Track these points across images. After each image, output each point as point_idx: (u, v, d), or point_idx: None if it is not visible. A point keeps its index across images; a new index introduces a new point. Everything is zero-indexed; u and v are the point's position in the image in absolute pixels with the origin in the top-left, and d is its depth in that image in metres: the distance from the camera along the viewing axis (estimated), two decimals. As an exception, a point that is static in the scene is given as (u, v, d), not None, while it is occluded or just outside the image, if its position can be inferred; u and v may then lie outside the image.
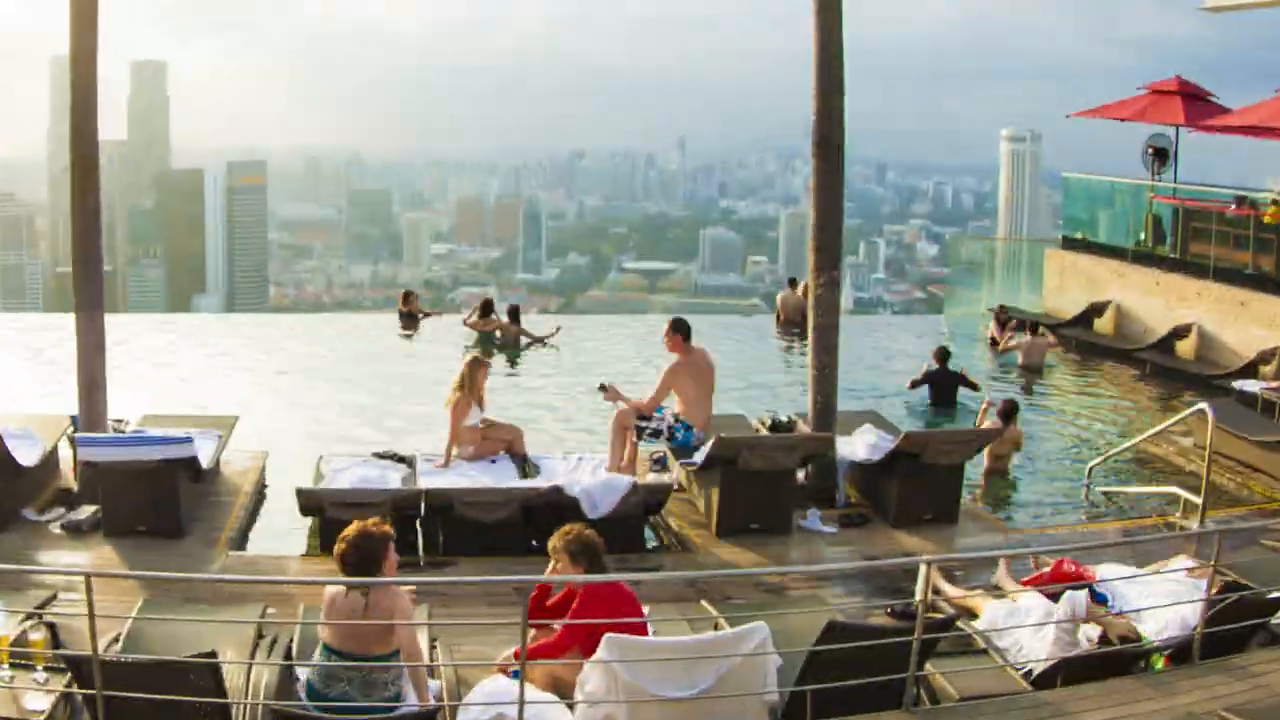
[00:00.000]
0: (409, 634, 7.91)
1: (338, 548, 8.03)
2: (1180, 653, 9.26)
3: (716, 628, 8.97)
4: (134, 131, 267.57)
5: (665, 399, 14.35)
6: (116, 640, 8.79)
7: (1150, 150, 27.42)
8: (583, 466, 13.69)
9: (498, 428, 14.47)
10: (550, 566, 8.74)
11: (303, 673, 8.24)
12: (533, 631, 8.45)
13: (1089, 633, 9.32)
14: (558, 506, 12.39)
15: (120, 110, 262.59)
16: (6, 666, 8.25)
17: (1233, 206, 24.23)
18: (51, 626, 8.98)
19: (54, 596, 10.19)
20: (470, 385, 14.29)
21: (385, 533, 8.13)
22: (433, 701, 8.05)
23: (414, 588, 8.41)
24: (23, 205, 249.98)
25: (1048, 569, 10.96)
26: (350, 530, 8.08)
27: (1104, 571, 10.81)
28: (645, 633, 8.43)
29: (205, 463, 13.54)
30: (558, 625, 8.50)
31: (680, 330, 14.29)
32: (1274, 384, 18.31)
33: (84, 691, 7.74)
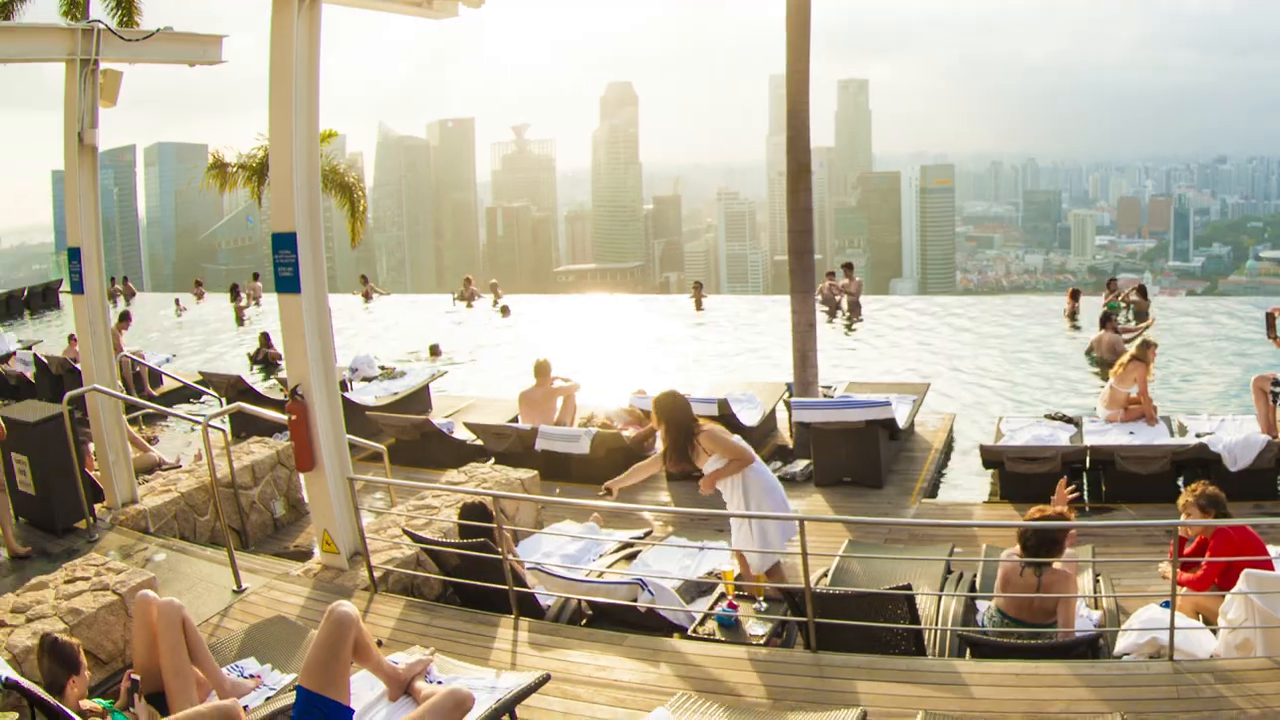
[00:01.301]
0: (1068, 616, 7.60)
1: (1020, 532, 7.73)
2: None
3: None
4: (840, 140, 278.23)
5: None
6: (826, 575, 8.95)
7: None
8: (1225, 426, 12.68)
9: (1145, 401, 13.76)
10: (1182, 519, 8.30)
11: (982, 603, 8.12)
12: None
13: None
14: (1202, 461, 11.78)
15: (829, 121, 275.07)
16: (732, 598, 8.59)
17: None
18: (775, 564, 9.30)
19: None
20: (1145, 363, 13.70)
21: (1064, 518, 7.78)
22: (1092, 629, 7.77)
23: (1075, 531, 7.99)
24: (745, 203, 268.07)
25: None
26: (1034, 512, 7.81)
27: None
28: (1272, 569, 7.91)
29: (902, 423, 13.58)
30: (1202, 563, 8.26)
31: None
32: None
33: (798, 619, 7.95)
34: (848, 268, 28.27)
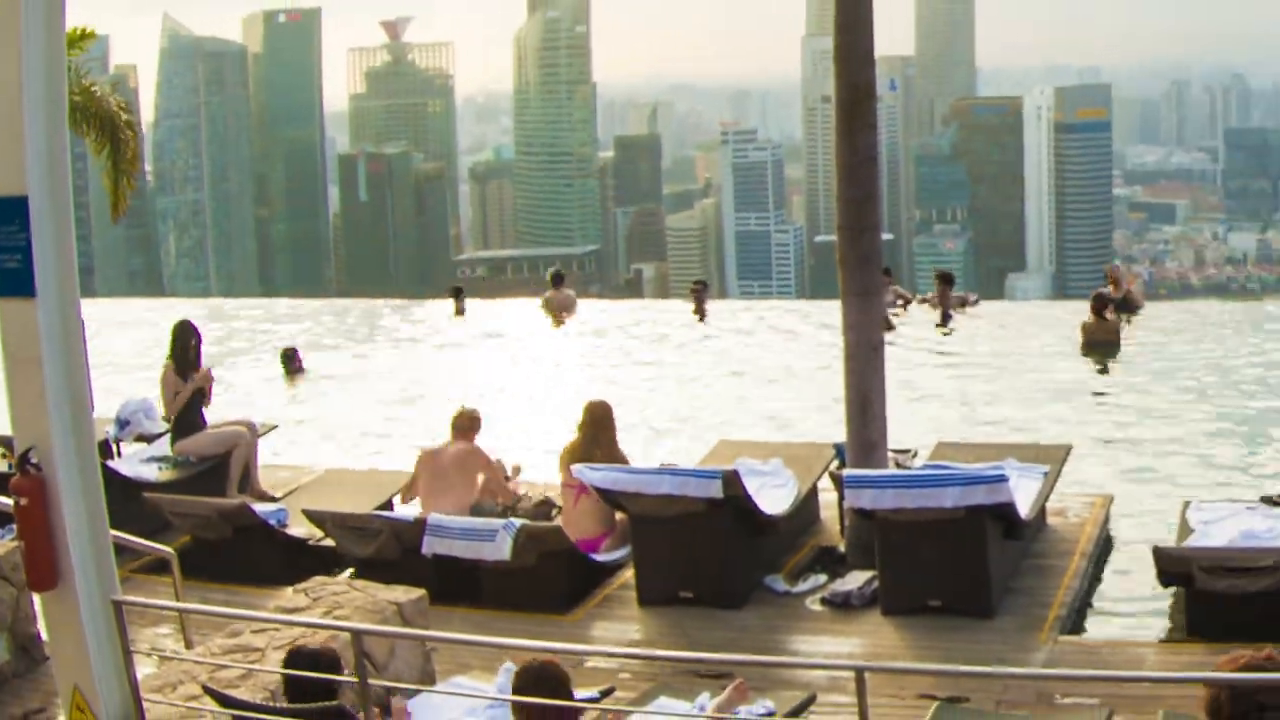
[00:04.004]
0: None
1: (1208, 698, 7.59)
2: None
3: None
4: (925, 45, 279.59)
5: None
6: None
7: None
8: None
9: None
10: None
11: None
12: None
13: None
14: None
15: (906, 13, 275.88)
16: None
17: None
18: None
19: (812, 699, 10.61)
20: None
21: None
22: None
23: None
24: (768, 149, 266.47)
25: None
26: (1228, 662, 7.58)
27: None
28: None
29: (1025, 511, 13.65)
30: None
31: None
32: None
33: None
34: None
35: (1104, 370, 25.35)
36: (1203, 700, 7.64)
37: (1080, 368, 24.68)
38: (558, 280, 34.72)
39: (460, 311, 34.99)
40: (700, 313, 32.29)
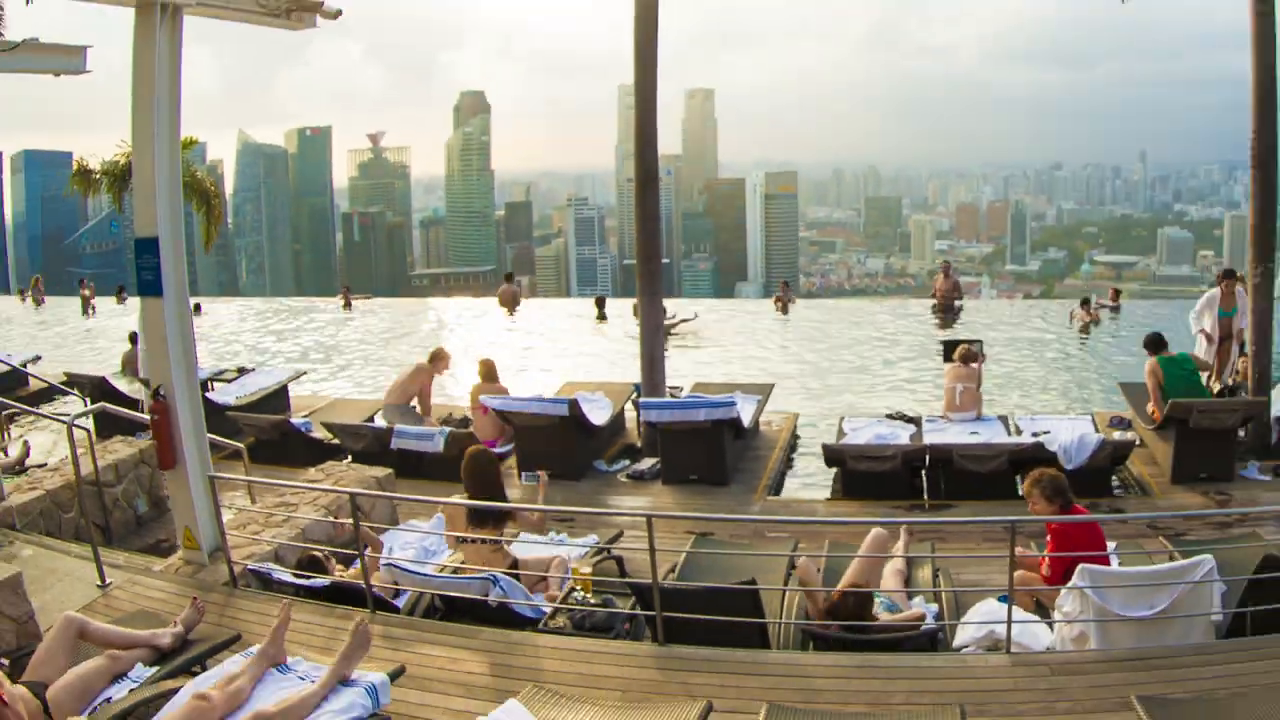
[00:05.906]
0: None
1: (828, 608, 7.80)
2: None
3: (1171, 559, 8.40)
4: (687, 147, 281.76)
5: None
6: (673, 570, 9.03)
7: None
8: (1061, 426, 13.12)
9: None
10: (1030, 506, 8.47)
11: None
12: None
13: None
14: (1039, 460, 11.82)
15: (675, 129, 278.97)
16: (590, 596, 8.60)
17: None
18: (619, 559, 9.39)
19: (620, 534, 10.67)
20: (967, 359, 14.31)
21: (864, 606, 7.82)
22: (932, 622, 7.98)
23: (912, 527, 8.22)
24: (595, 209, 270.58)
25: None
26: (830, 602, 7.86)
27: None
28: (1108, 563, 8.26)
29: (747, 422, 13.79)
30: (1040, 556, 8.59)
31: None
32: None
33: (646, 613, 8.03)
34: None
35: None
36: (859, 534, 7.85)
37: (776, 341, 24.87)
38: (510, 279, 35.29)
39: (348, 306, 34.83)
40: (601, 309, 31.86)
